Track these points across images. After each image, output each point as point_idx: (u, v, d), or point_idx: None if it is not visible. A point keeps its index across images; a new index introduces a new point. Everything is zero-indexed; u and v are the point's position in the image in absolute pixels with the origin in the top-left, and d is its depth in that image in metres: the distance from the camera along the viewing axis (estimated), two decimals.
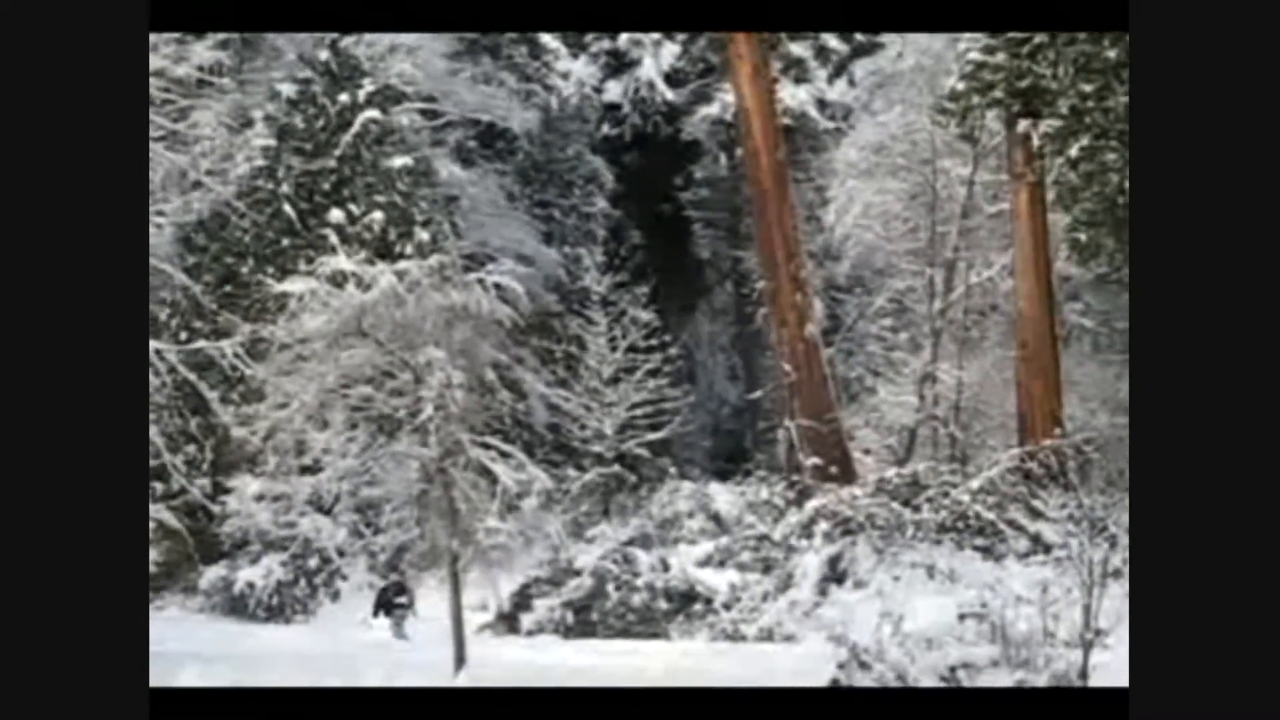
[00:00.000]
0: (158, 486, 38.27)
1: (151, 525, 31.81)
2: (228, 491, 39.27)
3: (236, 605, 39.63)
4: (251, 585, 39.61)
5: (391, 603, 36.64)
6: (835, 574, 31.76)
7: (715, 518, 37.20)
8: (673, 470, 42.00)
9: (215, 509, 38.39)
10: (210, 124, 36.46)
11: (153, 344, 16.68)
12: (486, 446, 26.21)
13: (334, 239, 30.44)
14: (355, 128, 42.08)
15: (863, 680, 18.29)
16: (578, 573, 35.05)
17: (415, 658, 27.65)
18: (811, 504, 33.84)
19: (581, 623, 33.80)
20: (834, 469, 36.21)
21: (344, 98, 42.13)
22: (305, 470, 35.85)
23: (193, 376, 28.30)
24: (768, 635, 31.21)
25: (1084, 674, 17.18)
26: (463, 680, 25.28)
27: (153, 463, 34.49)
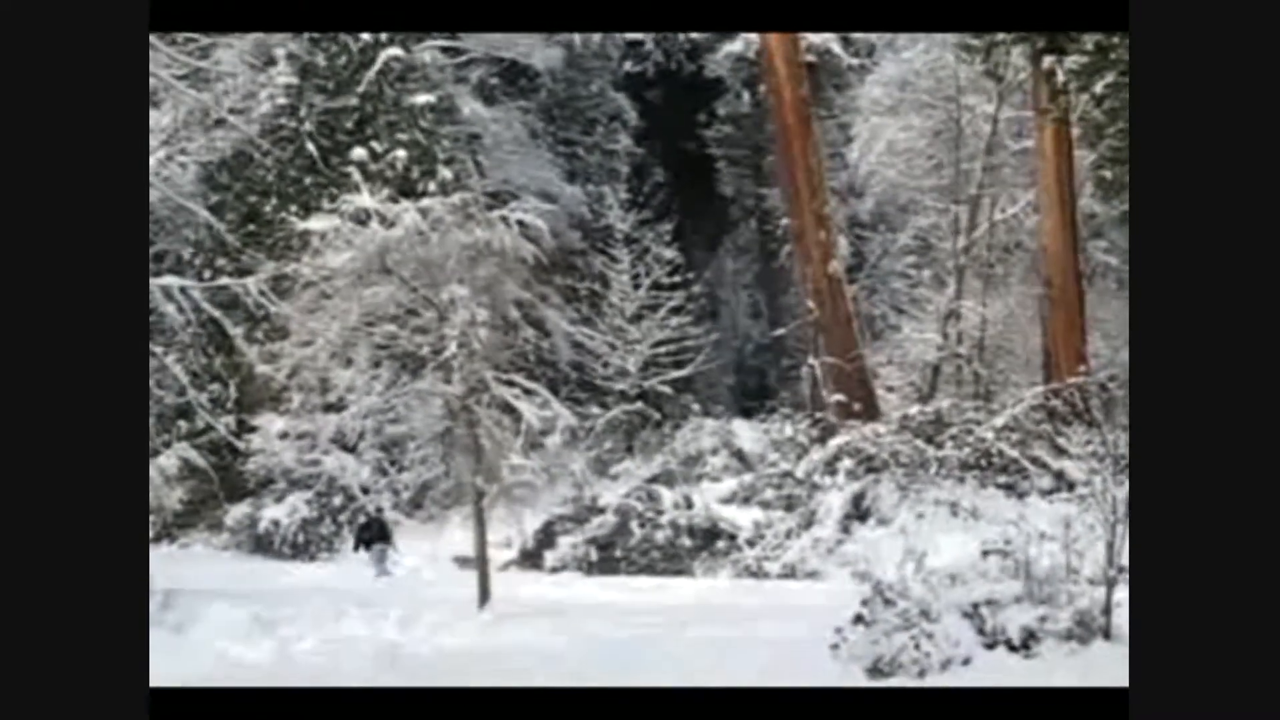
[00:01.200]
0: (183, 424, 38.43)
1: (177, 463, 31.92)
2: (253, 429, 39.40)
3: (262, 543, 39.80)
4: (276, 523, 39.78)
5: (372, 540, 37.05)
6: (859, 511, 31.81)
7: (739, 455, 37.25)
8: (696, 408, 42.02)
9: (240, 446, 38.48)
10: (233, 62, 36.39)
11: (177, 281, 16.72)
12: (510, 384, 26.27)
13: (357, 177, 30.45)
14: (378, 65, 42.01)
15: (886, 616, 18.32)
16: (601, 510, 35.13)
17: (439, 594, 27.76)
18: (835, 441, 33.85)
19: (605, 560, 33.89)
20: (858, 406, 36.21)
21: (366, 35, 42.05)
22: (329, 408, 35.96)
23: (217, 314, 28.29)
24: (791, 572, 31.28)
25: (1107, 610, 17.21)
26: (487, 616, 25.38)
27: (178, 400, 34.65)
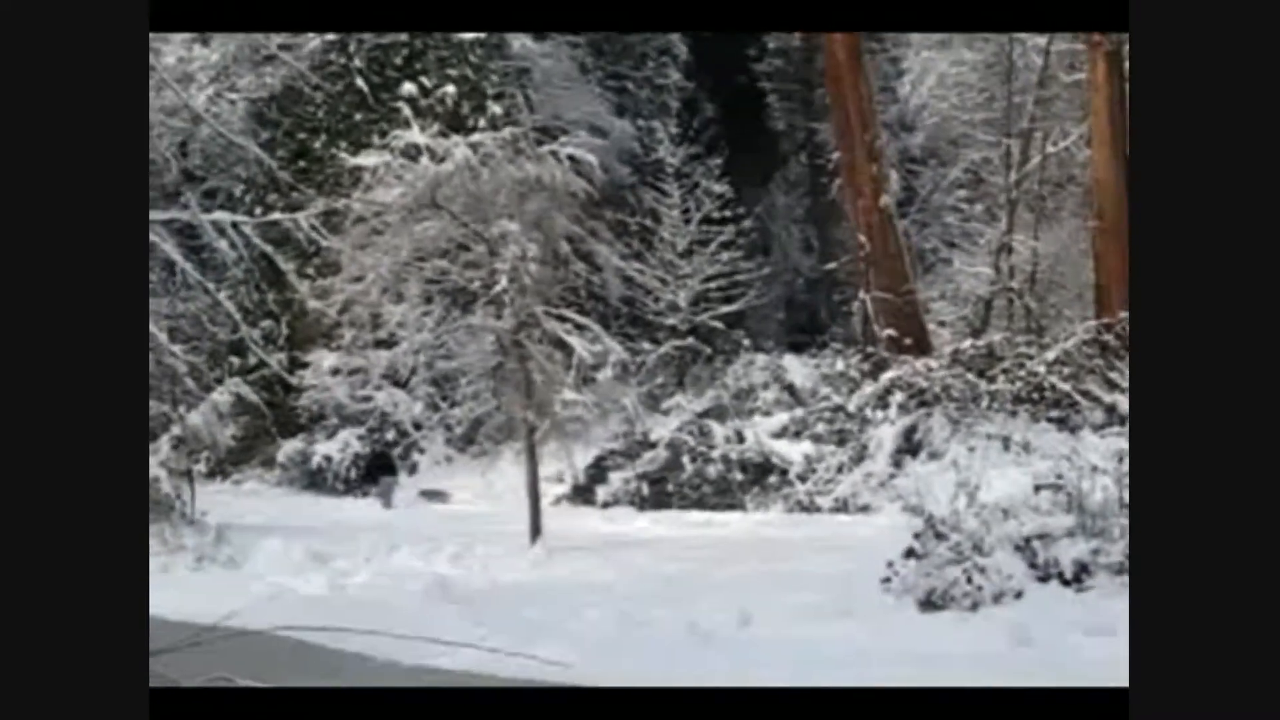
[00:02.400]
0: (235, 360, 38.65)
1: (229, 399, 32.08)
2: (304, 366, 39.55)
3: (314, 479, 40.04)
4: (329, 459, 40.00)
5: (378, 474, 37.40)
6: (910, 445, 31.78)
7: (790, 390, 37.21)
8: (747, 342, 41.92)
9: (293, 382, 38.65)
10: None
11: (228, 216, 16.75)
12: (561, 319, 26.31)
13: (407, 112, 30.41)
14: None
15: (939, 550, 18.33)
16: (653, 445, 35.19)
17: (491, 530, 27.87)
18: (886, 375, 33.79)
19: (656, 494, 33.97)
20: (909, 340, 36.11)
21: None
22: (381, 344, 36.05)
23: (269, 249, 28.43)
24: (843, 506, 31.30)
25: None
26: (539, 551, 25.48)
27: (230, 337, 34.86)
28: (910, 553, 18.75)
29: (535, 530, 26.38)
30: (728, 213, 44.12)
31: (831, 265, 47.34)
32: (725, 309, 43.54)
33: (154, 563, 25.87)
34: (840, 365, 37.33)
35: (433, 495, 37.18)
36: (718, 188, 44.46)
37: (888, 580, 18.76)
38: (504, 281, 25.37)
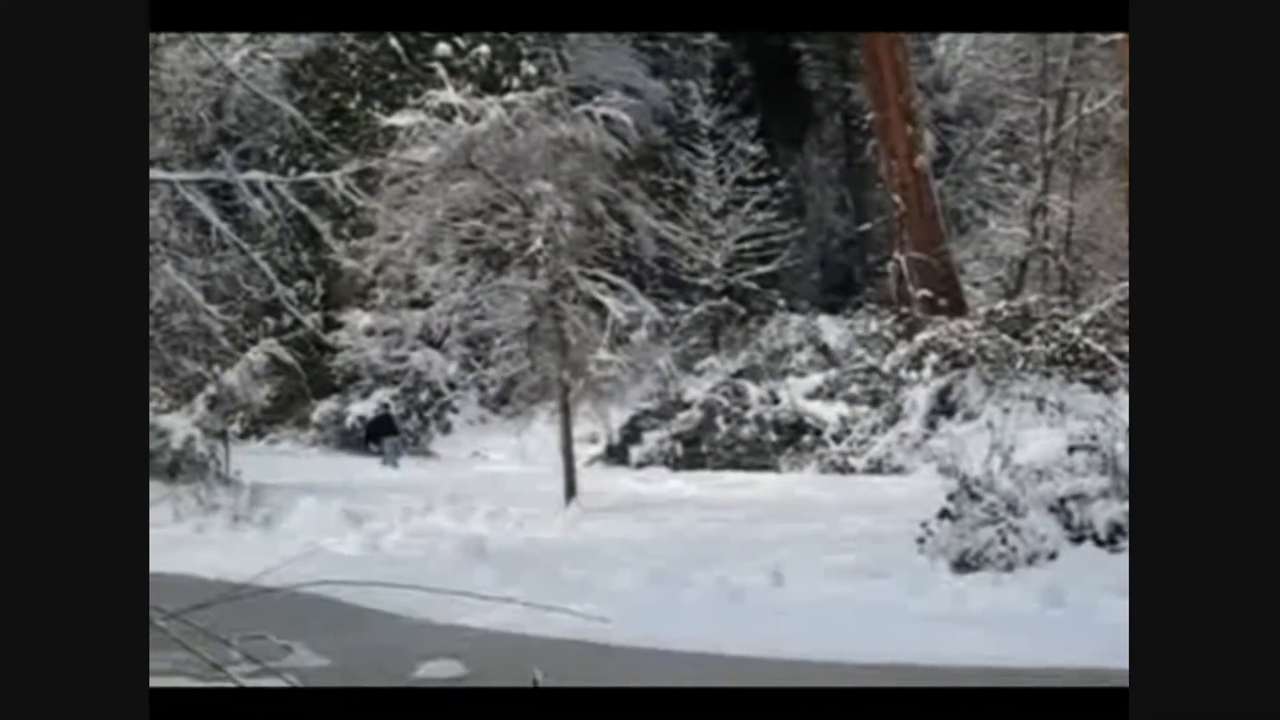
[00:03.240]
0: (270, 321, 38.72)
1: (264, 359, 32.18)
2: (339, 326, 39.62)
3: (348, 439, 40.14)
4: (363, 419, 40.08)
5: (381, 434, 37.59)
6: (945, 406, 31.74)
7: (824, 350, 37.19)
8: (781, 303, 41.88)
9: (327, 343, 38.72)
10: None
11: (263, 176, 16.68)
12: (596, 279, 26.31)
13: (441, 72, 30.37)
14: None
15: (973, 511, 18.32)
16: (687, 405, 35.21)
17: (526, 490, 27.92)
18: (921, 337, 33.74)
19: (691, 455, 33.99)
20: (943, 301, 36.03)
21: None
22: (415, 304, 36.11)
23: (304, 209, 28.47)
24: (877, 467, 31.30)
25: None
26: (573, 511, 25.52)
27: (265, 297, 34.91)
28: (944, 514, 18.75)
29: (569, 490, 26.43)
30: (762, 173, 44.06)
31: (866, 226, 47.25)
32: (759, 270, 43.49)
33: (189, 523, 26.04)
34: (875, 326, 37.30)
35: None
36: (752, 148, 44.39)
37: (922, 541, 18.77)
38: (538, 242, 25.38)
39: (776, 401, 34.34)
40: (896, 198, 37.83)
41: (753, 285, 43.23)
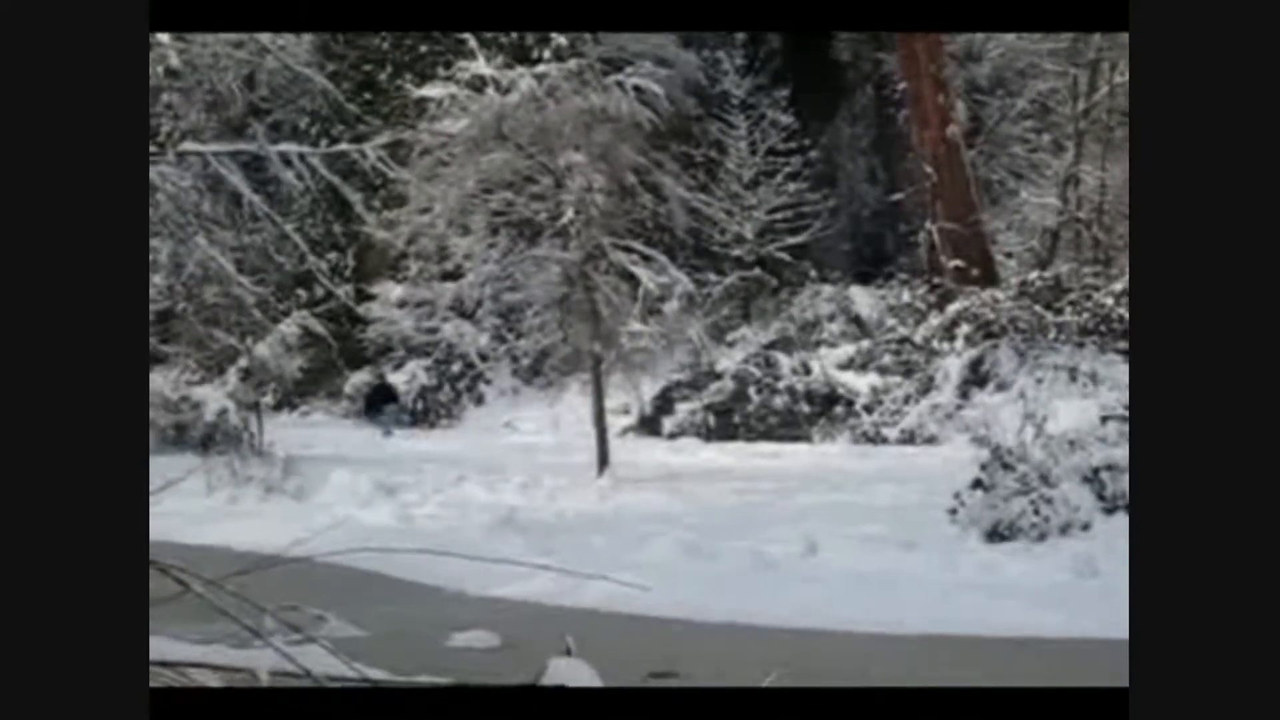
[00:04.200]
0: (302, 293, 38.77)
1: (296, 331, 32.25)
2: (371, 298, 39.65)
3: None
4: (387, 390, 40.16)
5: (382, 403, 37.76)
6: (977, 376, 31.69)
7: (856, 321, 37.17)
8: (813, 273, 41.82)
9: (360, 314, 38.76)
10: None
11: (295, 147, 16.69)
12: (628, 250, 26.30)
13: (472, 43, 30.34)
14: None
15: (1005, 481, 18.29)
16: (719, 376, 35.20)
17: (559, 460, 27.96)
18: (953, 307, 33.68)
19: (723, 425, 33.99)
20: (976, 271, 35.94)
21: None
22: (447, 276, 36.15)
23: (336, 181, 28.53)
24: (909, 438, 31.26)
25: None
26: (605, 482, 25.55)
27: (297, 269, 34.94)
28: (977, 484, 18.72)
29: (602, 461, 26.45)
30: (793, 144, 43.95)
31: (898, 196, 47.06)
32: (791, 240, 43.40)
33: (222, 494, 26.12)
34: (906, 296, 37.25)
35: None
36: (783, 119, 44.27)
37: (954, 512, 18.74)
38: (570, 213, 25.38)
39: (809, 372, 34.32)
40: (928, 168, 37.74)
41: (784, 256, 43.14)
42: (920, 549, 18.05)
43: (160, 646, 6.08)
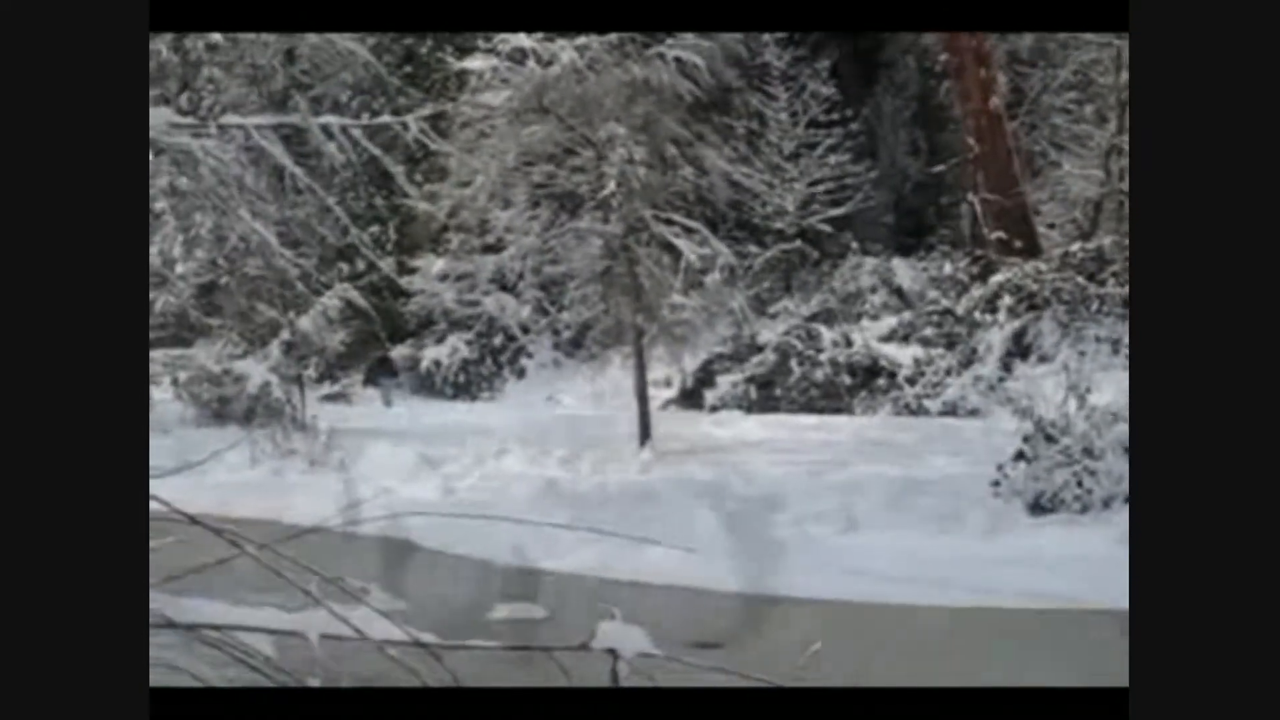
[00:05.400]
0: (344, 266, 38.82)
1: (338, 304, 32.30)
2: (412, 271, 39.67)
3: (423, 383, 40.25)
4: (438, 363, 40.15)
5: (381, 376, 38.00)
6: (1020, 348, 31.59)
7: (898, 293, 37.09)
8: (855, 245, 41.69)
9: (402, 286, 38.76)
10: None
11: (336, 119, 16.83)
12: (669, 222, 26.26)
13: None
14: None
15: (1048, 453, 18.25)
16: (761, 348, 35.14)
17: (601, 433, 27.97)
18: (995, 278, 33.58)
19: (765, 398, 33.94)
20: (1018, 243, 35.81)
21: None
22: (488, 249, 36.13)
23: (378, 153, 28.60)
24: (951, 410, 31.18)
25: None
26: (647, 454, 25.57)
27: (339, 242, 35.00)
28: (1020, 456, 18.69)
29: (644, 434, 26.46)
30: (835, 115, 43.76)
31: (940, 168, 46.90)
32: (833, 212, 43.24)
33: (265, 466, 26.24)
34: (949, 268, 37.17)
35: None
36: (825, 90, 44.10)
37: (997, 484, 18.72)
38: (611, 185, 25.36)
39: (850, 344, 34.25)
40: (970, 140, 37.61)
41: (826, 228, 42.99)
42: (963, 521, 18.04)
43: (209, 610, 6.07)
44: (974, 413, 30.48)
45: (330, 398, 37.24)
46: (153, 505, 6.63)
